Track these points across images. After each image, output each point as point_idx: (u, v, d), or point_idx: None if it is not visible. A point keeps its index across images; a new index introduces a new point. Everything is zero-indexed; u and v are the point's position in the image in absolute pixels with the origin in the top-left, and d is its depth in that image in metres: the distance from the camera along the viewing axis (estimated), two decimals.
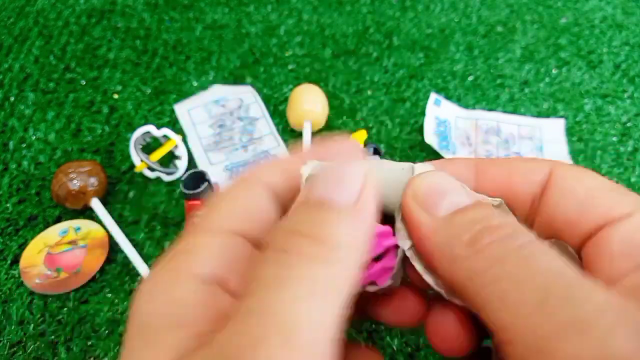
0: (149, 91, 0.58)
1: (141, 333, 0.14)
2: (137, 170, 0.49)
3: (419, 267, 0.17)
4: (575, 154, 0.52)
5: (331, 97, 0.56)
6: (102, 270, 0.43)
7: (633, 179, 0.50)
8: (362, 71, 0.60)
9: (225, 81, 0.59)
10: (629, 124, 0.55)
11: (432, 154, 0.51)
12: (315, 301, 0.12)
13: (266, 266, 0.13)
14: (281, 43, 0.64)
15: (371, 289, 0.17)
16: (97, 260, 0.43)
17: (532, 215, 0.18)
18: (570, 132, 0.54)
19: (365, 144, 0.51)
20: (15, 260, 0.44)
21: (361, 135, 0.52)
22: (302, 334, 0.11)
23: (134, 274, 0.43)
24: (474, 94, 0.58)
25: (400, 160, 0.20)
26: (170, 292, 0.14)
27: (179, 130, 0.53)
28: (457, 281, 0.15)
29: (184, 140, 0.52)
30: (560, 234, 0.17)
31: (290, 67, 0.61)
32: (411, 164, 0.18)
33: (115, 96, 0.57)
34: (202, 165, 0.51)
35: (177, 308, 0.14)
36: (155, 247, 0.45)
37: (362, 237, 0.14)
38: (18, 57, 0.62)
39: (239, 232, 0.16)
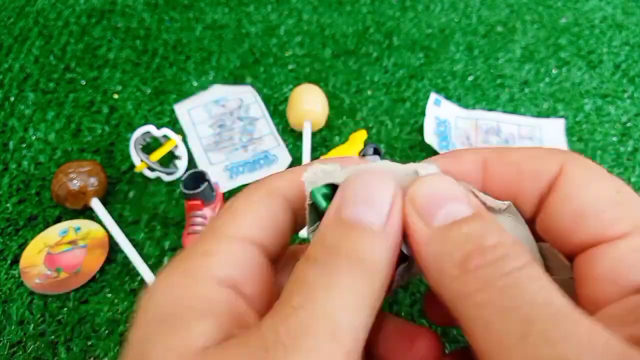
0: (149, 91, 0.58)
1: (166, 320, 0.14)
2: (137, 170, 0.49)
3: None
4: None
5: (331, 97, 0.56)
6: (102, 270, 0.43)
7: (633, 179, 0.50)
8: (362, 71, 0.60)
9: (225, 81, 0.59)
10: (629, 124, 0.55)
11: (432, 154, 0.51)
12: (355, 309, 0.14)
13: (314, 273, 0.14)
14: (281, 43, 0.64)
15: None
16: (97, 260, 0.43)
17: (538, 213, 0.18)
18: (570, 132, 0.54)
19: (365, 144, 0.51)
20: (15, 260, 0.44)
21: (361, 135, 0.52)
22: (344, 334, 0.13)
23: (134, 274, 0.43)
24: (474, 94, 0.58)
25: (400, 161, 0.20)
26: (192, 289, 0.15)
27: (179, 130, 0.53)
28: (444, 297, 0.15)
29: (184, 140, 0.52)
30: (556, 239, 0.17)
31: (290, 67, 0.61)
32: (415, 168, 0.17)
33: (115, 96, 0.58)
34: (202, 165, 0.51)
35: (201, 303, 0.14)
36: (155, 247, 0.45)
37: (392, 256, 0.15)
38: (18, 57, 0.62)
39: (255, 241, 0.16)
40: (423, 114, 0.54)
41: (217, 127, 0.54)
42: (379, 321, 0.15)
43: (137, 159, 0.49)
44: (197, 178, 0.44)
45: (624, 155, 0.52)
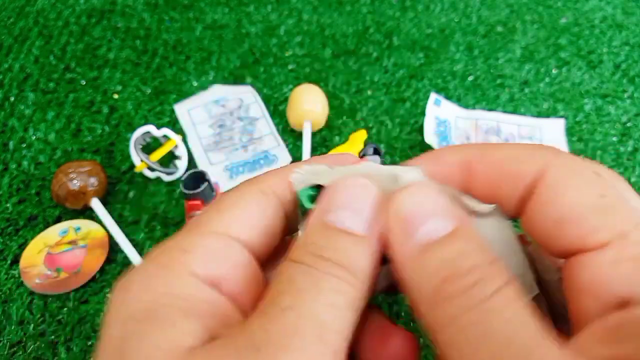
0: (149, 91, 0.58)
1: (149, 318, 0.14)
2: (137, 170, 0.49)
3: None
4: (575, 154, 0.52)
5: (331, 97, 0.56)
6: (102, 270, 0.43)
7: (633, 179, 0.50)
8: (362, 71, 0.60)
9: (225, 81, 0.59)
10: (629, 124, 0.55)
11: None
12: (341, 311, 0.14)
13: (302, 277, 0.15)
14: (281, 43, 0.64)
15: None
16: (97, 260, 0.43)
17: (522, 215, 0.17)
18: (570, 132, 0.54)
19: (365, 144, 0.51)
20: (15, 260, 0.44)
21: (361, 135, 0.52)
22: (331, 334, 0.14)
23: None
24: (474, 94, 0.58)
25: (400, 161, 0.20)
26: (173, 286, 0.15)
27: (179, 130, 0.53)
28: (419, 315, 0.15)
29: (184, 140, 0.52)
30: (540, 243, 0.17)
31: (290, 67, 0.61)
32: (397, 173, 0.17)
33: (115, 96, 0.58)
34: (202, 165, 0.51)
35: (183, 300, 0.14)
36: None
37: (374, 260, 0.16)
38: (18, 57, 0.62)
39: (240, 238, 0.16)
40: (423, 114, 0.54)
41: (217, 127, 0.54)
42: (362, 320, 0.15)
43: (137, 159, 0.49)
44: (197, 178, 0.44)
45: (624, 155, 0.52)
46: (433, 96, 0.55)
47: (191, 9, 0.68)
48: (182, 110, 0.55)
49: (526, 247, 0.17)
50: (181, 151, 0.49)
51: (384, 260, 0.17)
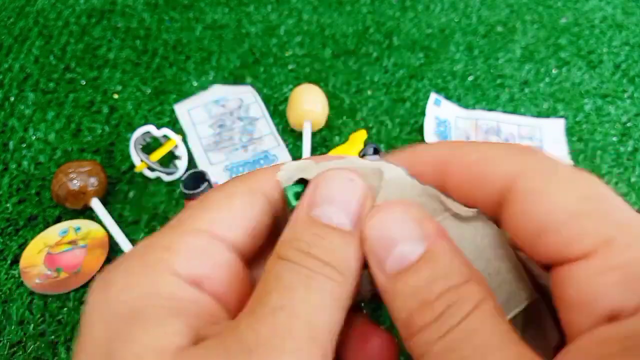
0: (149, 91, 0.58)
1: (135, 318, 0.13)
2: (137, 170, 0.49)
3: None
4: (575, 154, 0.52)
5: (331, 97, 0.56)
6: (102, 270, 0.43)
7: (633, 179, 0.50)
8: (362, 71, 0.60)
9: (225, 81, 0.59)
10: (629, 124, 0.55)
11: None
12: (331, 310, 0.14)
13: (290, 274, 0.14)
14: (281, 43, 0.64)
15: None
16: (97, 260, 0.43)
17: (500, 223, 0.16)
18: (570, 132, 0.54)
19: (365, 144, 0.51)
20: (15, 260, 0.44)
21: (361, 135, 0.52)
22: (322, 334, 0.13)
23: None
24: (474, 94, 0.58)
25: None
26: (155, 285, 0.14)
27: (179, 130, 0.53)
28: (401, 338, 0.15)
29: (184, 140, 0.52)
30: (523, 251, 0.16)
31: (290, 67, 0.61)
32: (380, 166, 0.17)
33: (115, 96, 0.58)
34: (202, 165, 0.51)
35: (167, 300, 0.14)
36: None
37: (360, 258, 0.16)
38: (18, 57, 0.62)
39: (224, 238, 0.16)
40: (423, 114, 0.54)
41: (217, 127, 0.54)
42: (346, 320, 0.15)
43: (137, 159, 0.49)
44: (197, 178, 0.44)
45: (624, 155, 0.52)
46: (433, 96, 0.55)
47: (191, 9, 0.68)
48: (182, 110, 0.55)
49: (519, 251, 0.17)
50: (181, 151, 0.49)
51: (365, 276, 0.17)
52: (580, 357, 0.13)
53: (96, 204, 0.46)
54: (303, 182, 0.17)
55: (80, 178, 0.45)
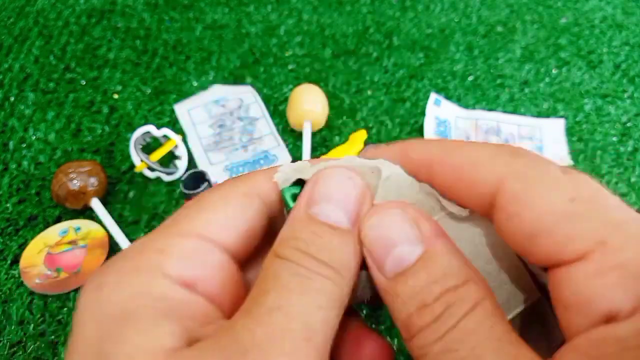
0: (149, 91, 0.58)
1: (127, 319, 0.13)
2: (137, 170, 0.49)
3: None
4: (575, 154, 0.52)
5: (331, 97, 0.56)
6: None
7: (633, 179, 0.50)
8: (362, 71, 0.60)
9: (225, 81, 0.59)
10: (629, 124, 0.55)
11: None
12: (327, 311, 0.14)
13: (288, 273, 0.14)
14: (281, 43, 0.64)
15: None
16: (97, 260, 0.43)
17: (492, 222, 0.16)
18: (570, 132, 0.54)
19: (365, 144, 0.51)
20: (15, 260, 0.44)
21: (361, 135, 0.52)
22: (318, 336, 0.13)
23: None
24: (474, 94, 0.58)
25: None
26: (148, 287, 0.14)
27: (179, 130, 0.53)
28: (404, 338, 0.15)
29: (184, 140, 0.52)
30: (517, 253, 0.16)
31: (290, 67, 0.61)
32: (377, 164, 0.17)
33: (115, 96, 0.58)
34: (202, 165, 0.51)
35: (160, 302, 0.14)
36: None
37: (358, 257, 0.16)
38: (18, 57, 0.62)
39: (214, 240, 0.16)
40: (423, 114, 0.54)
41: (217, 127, 0.54)
42: (341, 323, 0.15)
43: (137, 159, 0.49)
44: (197, 178, 0.44)
45: (624, 155, 0.52)
46: (433, 96, 0.55)
47: (191, 9, 0.68)
48: (182, 110, 0.55)
49: None
50: (181, 151, 0.49)
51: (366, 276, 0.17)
52: (577, 357, 0.13)
53: (96, 204, 0.46)
54: (300, 184, 0.17)
55: (80, 178, 0.45)
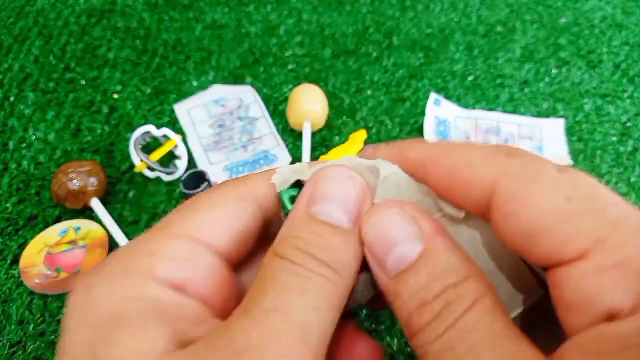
0: (149, 91, 0.58)
1: (119, 322, 0.13)
2: (137, 170, 0.49)
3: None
4: (575, 154, 0.52)
5: (331, 97, 0.56)
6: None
7: (633, 179, 0.50)
8: (362, 71, 0.60)
9: (225, 81, 0.59)
10: (629, 124, 0.55)
11: None
12: (325, 312, 0.14)
13: (286, 274, 0.14)
14: (281, 43, 0.64)
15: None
16: (97, 260, 0.43)
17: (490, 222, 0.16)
18: (570, 132, 0.54)
19: (365, 144, 0.51)
20: (15, 260, 0.44)
21: (361, 135, 0.52)
22: (314, 337, 0.13)
23: None
24: (474, 94, 0.58)
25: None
26: (139, 290, 0.14)
27: (179, 130, 0.53)
28: (407, 336, 0.15)
29: (184, 140, 0.52)
30: (517, 253, 0.15)
31: (290, 67, 0.61)
32: (376, 164, 0.17)
33: (115, 96, 0.58)
34: (202, 165, 0.51)
35: (151, 305, 0.14)
36: None
37: (359, 257, 0.16)
38: (18, 57, 0.62)
39: (207, 243, 0.16)
40: (423, 114, 0.54)
41: (217, 127, 0.54)
42: (336, 326, 0.15)
43: (137, 159, 0.49)
44: (197, 178, 0.44)
45: (624, 155, 0.52)
46: (433, 96, 0.55)
47: (191, 9, 0.68)
48: (182, 110, 0.55)
49: None
50: (181, 151, 0.49)
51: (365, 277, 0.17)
52: (578, 354, 0.12)
53: (96, 204, 0.46)
54: (298, 186, 0.17)
55: (80, 178, 0.45)
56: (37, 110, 0.56)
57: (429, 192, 0.17)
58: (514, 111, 0.56)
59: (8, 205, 0.48)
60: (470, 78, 0.60)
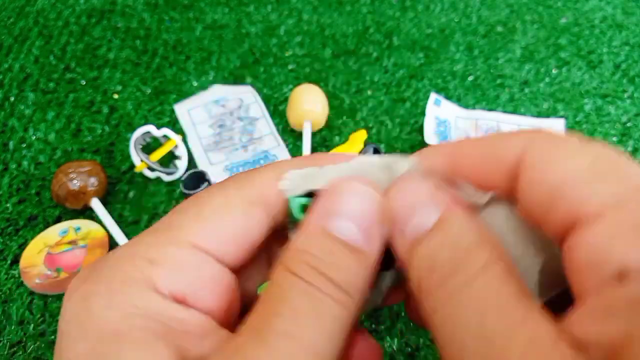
0: (149, 91, 0.58)
1: (120, 339, 0.13)
2: (137, 170, 0.49)
3: None
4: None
5: (331, 97, 0.56)
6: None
7: None
8: (362, 71, 0.60)
9: (225, 81, 0.59)
10: (629, 124, 0.55)
11: None
12: (337, 335, 0.14)
13: (298, 295, 0.14)
14: (281, 43, 0.64)
15: None
16: None
17: (514, 201, 0.16)
18: (570, 132, 0.54)
19: (365, 144, 0.51)
20: (15, 260, 0.44)
21: (361, 135, 0.52)
22: (325, 358, 0.14)
23: None
24: (474, 94, 0.58)
25: None
26: (139, 304, 0.14)
27: (179, 130, 0.53)
28: (419, 305, 0.15)
29: (184, 140, 0.52)
30: (537, 223, 0.15)
31: (290, 67, 0.61)
32: (390, 163, 0.17)
33: (115, 96, 0.58)
34: (202, 165, 0.51)
35: (152, 321, 0.14)
36: None
37: (369, 277, 0.16)
38: (18, 57, 0.62)
39: (212, 251, 0.16)
40: (423, 114, 0.54)
41: (217, 127, 0.54)
42: None
43: (137, 159, 0.49)
44: (197, 178, 0.44)
45: None
46: (433, 96, 0.55)
47: (191, 9, 0.68)
48: (182, 110, 0.55)
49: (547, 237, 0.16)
50: (181, 151, 0.49)
51: (386, 266, 0.17)
52: (583, 317, 0.12)
53: (96, 204, 0.46)
54: (309, 195, 0.16)
55: (80, 178, 0.45)
56: (37, 110, 0.56)
57: (454, 181, 0.17)
58: (514, 111, 0.56)
59: (8, 205, 0.48)
60: (470, 78, 0.60)
